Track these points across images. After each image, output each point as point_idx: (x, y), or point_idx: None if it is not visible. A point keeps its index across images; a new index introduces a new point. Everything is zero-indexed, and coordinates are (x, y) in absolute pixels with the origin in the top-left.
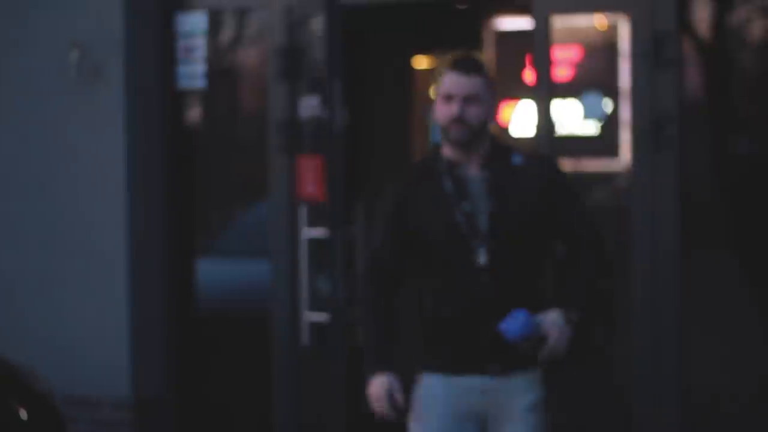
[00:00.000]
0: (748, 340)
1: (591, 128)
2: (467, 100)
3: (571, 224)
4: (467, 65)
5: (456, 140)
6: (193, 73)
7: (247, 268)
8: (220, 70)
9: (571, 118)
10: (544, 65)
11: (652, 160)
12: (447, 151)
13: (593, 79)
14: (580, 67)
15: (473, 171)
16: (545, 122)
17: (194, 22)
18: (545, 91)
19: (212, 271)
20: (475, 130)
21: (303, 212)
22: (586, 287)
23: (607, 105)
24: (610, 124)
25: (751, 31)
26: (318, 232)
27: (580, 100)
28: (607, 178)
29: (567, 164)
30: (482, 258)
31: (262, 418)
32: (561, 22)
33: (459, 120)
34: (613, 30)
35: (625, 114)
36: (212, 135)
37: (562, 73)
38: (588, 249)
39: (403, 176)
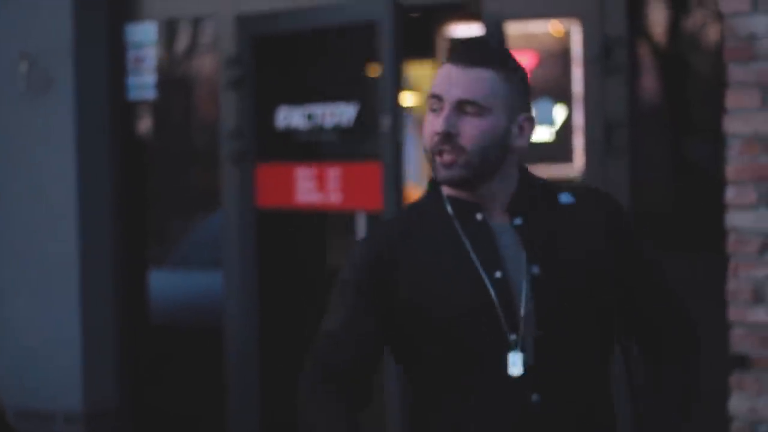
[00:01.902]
0: None
1: (544, 134)
2: (461, 107)
3: (649, 302)
4: (471, 51)
5: (443, 177)
6: (143, 83)
7: (202, 279)
8: (172, 80)
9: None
10: None
11: (605, 165)
12: (450, 190)
13: (547, 85)
14: (535, 74)
15: (498, 218)
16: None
17: (144, 33)
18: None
19: (166, 282)
20: (474, 161)
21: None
22: (683, 415)
23: (559, 111)
24: (564, 130)
25: (706, 36)
26: None
27: (533, 106)
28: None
29: None
30: (524, 354)
31: (215, 428)
32: (515, 29)
33: (444, 139)
34: (566, 36)
35: (579, 120)
36: (165, 145)
37: None
38: (681, 347)
39: (384, 228)
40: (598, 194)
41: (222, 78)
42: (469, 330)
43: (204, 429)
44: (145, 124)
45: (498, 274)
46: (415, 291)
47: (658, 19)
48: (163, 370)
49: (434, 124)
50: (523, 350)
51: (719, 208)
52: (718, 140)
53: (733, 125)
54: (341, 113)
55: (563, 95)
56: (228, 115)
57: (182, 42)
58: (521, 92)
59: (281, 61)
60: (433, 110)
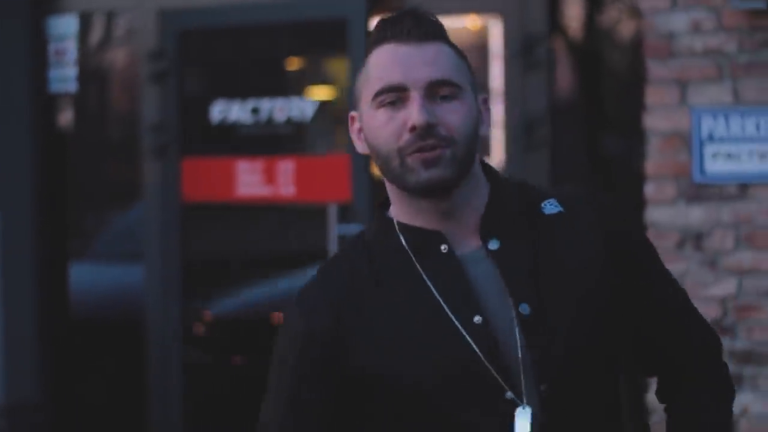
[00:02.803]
0: None
1: None
2: (433, 91)
3: (666, 330)
4: (419, 24)
5: (428, 179)
6: (65, 76)
7: (122, 272)
8: (94, 73)
9: None
10: None
11: (524, 160)
12: (401, 214)
13: None
14: None
15: (467, 243)
16: None
17: (66, 26)
18: None
19: (87, 275)
20: (461, 155)
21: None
22: None
23: None
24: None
25: (621, 32)
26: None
27: None
28: None
29: None
30: (525, 413)
31: (136, 421)
32: None
33: (425, 133)
34: (484, 31)
35: (497, 114)
36: (86, 138)
37: None
38: (709, 387)
39: (325, 281)
40: (589, 197)
41: (144, 71)
42: (452, 396)
43: (125, 422)
44: (66, 117)
45: (477, 319)
46: (373, 359)
47: (575, 15)
48: (84, 363)
49: (400, 118)
50: (533, 399)
51: (639, 202)
52: (633, 135)
53: (652, 121)
54: (293, 107)
55: (480, 90)
56: (150, 109)
57: (104, 35)
58: (470, 68)
59: (218, 55)
60: (390, 104)
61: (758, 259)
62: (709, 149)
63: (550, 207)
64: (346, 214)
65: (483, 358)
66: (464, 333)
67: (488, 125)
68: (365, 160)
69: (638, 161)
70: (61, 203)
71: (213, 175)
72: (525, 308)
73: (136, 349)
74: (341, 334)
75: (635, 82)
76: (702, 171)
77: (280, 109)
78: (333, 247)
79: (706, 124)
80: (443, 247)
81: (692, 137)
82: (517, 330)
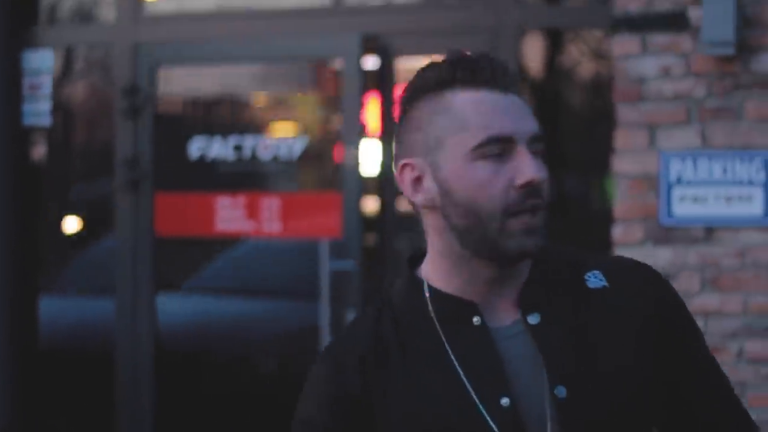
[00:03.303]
0: None
1: None
2: (534, 146)
3: (709, 416)
4: (503, 72)
5: (530, 248)
6: (39, 110)
7: (92, 304)
8: (66, 107)
9: None
10: (387, 105)
11: None
12: (436, 275)
13: None
14: None
15: (502, 315)
16: (388, 161)
17: (41, 60)
18: (388, 130)
19: (56, 308)
20: (547, 220)
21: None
22: None
23: None
24: None
25: (581, 73)
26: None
27: None
28: None
29: (403, 203)
30: None
31: None
32: (403, 64)
33: (536, 192)
34: None
35: None
36: (60, 171)
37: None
38: None
39: (352, 344)
40: (635, 269)
41: (118, 106)
42: None
43: None
44: (39, 151)
45: (504, 401)
46: (395, 429)
47: (535, 55)
48: (53, 395)
49: (506, 173)
50: None
51: (605, 243)
52: (595, 175)
53: (621, 164)
54: (280, 145)
55: None
56: (124, 143)
57: (79, 69)
58: None
59: (198, 91)
60: (494, 156)
61: (723, 302)
62: (676, 192)
63: (594, 280)
64: (337, 250)
65: None
66: (487, 417)
67: None
68: (356, 198)
69: (601, 202)
70: (33, 236)
71: (190, 209)
72: (561, 391)
73: (106, 382)
74: (368, 400)
75: (595, 122)
76: (669, 214)
77: (265, 146)
78: (325, 283)
79: (675, 168)
80: (476, 320)
81: (660, 180)
82: (548, 413)
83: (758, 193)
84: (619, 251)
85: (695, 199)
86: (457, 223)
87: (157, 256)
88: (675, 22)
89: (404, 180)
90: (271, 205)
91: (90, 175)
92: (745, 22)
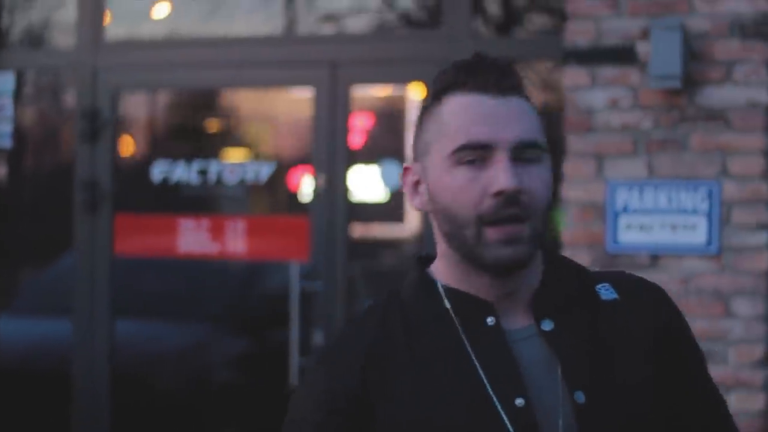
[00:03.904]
0: None
1: (381, 195)
2: (520, 153)
3: (706, 426)
4: (503, 74)
5: (506, 258)
6: (0, 132)
7: (47, 325)
8: (30, 130)
9: (368, 185)
10: (342, 133)
11: None
12: (448, 276)
13: (386, 147)
14: (372, 135)
15: (517, 320)
16: (343, 189)
17: (2, 83)
18: (343, 158)
19: (12, 328)
20: (539, 230)
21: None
22: None
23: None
24: (396, 191)
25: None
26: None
27: (378, 167)
28: (395, 244)
29: (358, 229)
30: None
31: None
32: (358, 92)
33: (511, 201)
34: (400, 99)
35: None
36: (20, 193)
37: (357, 140)
38: None
39: (355, 340)
40: (642, 285)
41: (78, 128)
42: None
43: None
44: (0, 173)
45: (519, 402)
46: (403, 429)
47: None
48: (9, 417)
49: (482, 180)
50: None
51: None
52: None
53: (569, 192)
54: (247, 170)
55: (398, 156)
56: (83, 166)
57: (39, 92)
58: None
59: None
60: (470, 162)
61: None
62: (623, 220)
63: (606, 292)
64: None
65: None
66: (503, 417)
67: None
68: (325, 221)
69: (549, 228)
70: None
71: (151, 231)
72: (580, 396)
73: (62, 402)
74: (368, 398)
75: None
76: (616, 241)
77: (231, 170)
78: (295, 305)
79: (621, 196)
80: (489, 320)
81: (607, 208)
82: (561, 418)
83: (702, 222)
84: None
85: (641, 227)
86: (442, 228)
87: (114, 277)
88: (623, 55)
89: (406, 183)
90: (236, 227)
91: (48, 196)
92: (691, 56)
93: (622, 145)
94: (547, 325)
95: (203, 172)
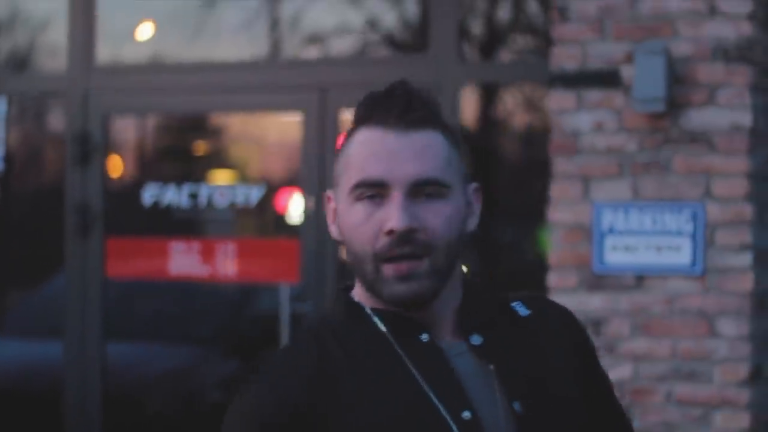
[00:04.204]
0: None
1: None
2: (417, 191)
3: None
4: (410, 107)
5: (402, 294)
6: None
7: (39, 347)
8: (15, 152)
9: None
10: (331, 156)
11: None
12: (371, 301)
13: None
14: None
15: (447, 338)
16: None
17: None
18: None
19: (2, 350)
20: (441, 264)
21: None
22: None
23: None
24: None
25: (515, 124)
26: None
27: None
28: None
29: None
30: None
31: None
32: (346, 114)
33: (404, 239)
34: None
35: None
36: (12, 216)
37: None
38: None
39: (293, 360)
40: (547, 303)
41: (69, 153)
42: None
43: None
44: None
45: (466, 415)
46: None
47: (474, 109)
48: None
49: (378, 218)
50: None
51: (541, 290)
52: (527, 223)
53: (556, 214)
54: (237, 193)
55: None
56: (74, 190)
57: (30, 115)
58: (463, 156)
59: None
60: (370, 197)
61: (652, 346)
62: (609, 241)
63: (521, 309)
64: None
65: None
66: (454, 428)
67: (477, 216)
68: (315, 243)
69: (536, 250)
70: None
71: (143, 254)
72: (518, 406)
73: (55, 424)
74: (313, 421)
75: (531, 173)
76: (602, 262)
77: (221, 193)
78: (285, 326)
79: (607, 218)
80: (424, 337)
81: (593, 230)
82: (504, 429)
83: (686, 243)
84: (553, 297)
85: (626, 248)
86: (348, 260)
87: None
88: (608, 79)
89: (327, 212)
90: (226, 250)
91: (38, 218)
92: (675, 80)
93: (607, 167)
94: (477, 340)
95: (194, 195)
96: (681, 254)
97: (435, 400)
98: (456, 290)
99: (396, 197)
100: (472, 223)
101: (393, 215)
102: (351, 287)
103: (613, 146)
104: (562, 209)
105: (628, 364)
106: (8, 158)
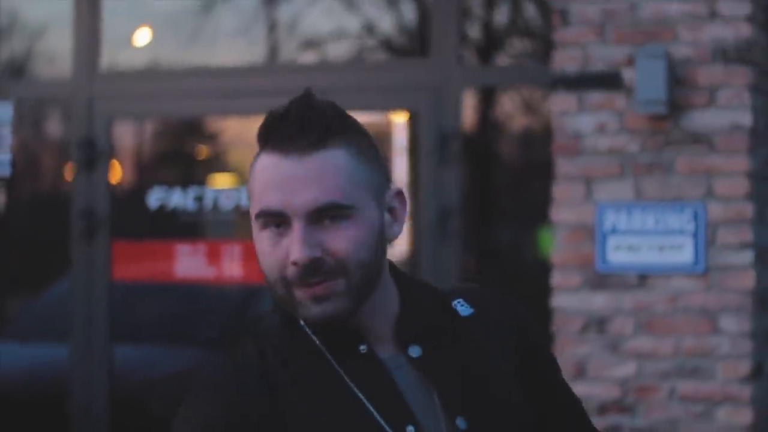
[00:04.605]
0: None
1: None
2: (318, 217)
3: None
4: (304, 127)
5: (316, 315)
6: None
7: (45, 351)
8: (28, 158)
9: None
10: None
11: (437, 251)
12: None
13: None
14: None
15: (386, 349)
16: None
17: (1, 112)
18: None
19: (9, 353)
20: (355, 283)
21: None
22: None
23: None
24: None
25: (513, 127)
26: None
27: None
28: None
29: None
30: None
31: None
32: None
33: (310, 269)
34: (388, 126)
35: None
36: (18, 220)
37: None
38: None
39: (234, 376)
40: (490, 296)
41: (75, 158)
42: None
43: None
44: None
45: (410, 429)
46: None
47: (476, 113)
48: None
49: (283, 247)
50: None
51: (544, 289)
52: (531, 224)
53: (559, 215)
54: (242, 196)
55: (390, 183)
56: (80, 194)
57: (36, 121)
58: (378, 162)
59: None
60: (275, 226)
61: (656, 345)
62: (611, 241)
63: (462, 308)
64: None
65: None
66: None
67: (402, 222)
68: None
69: (540, 250)
70: None
71: (149, 256)
72: (462, 422)
73: (61, 429)
74: (261, 429)
75: (534, 174)
76: (605, 261)
77: (227, 196)
78: None
79: (610, 218)
80: (362, 348)
81: (596, 230)
82: None
83: (688, 242)
84: (557, 297)
85: (629, 248)
86: (265, 282)
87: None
88: (609, 81)
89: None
90: (232, 252)
91: (44, 222)
92: (675, 82)
93: (609, 168)
94: (415, 352)
95: (199, 198)
96: (683, 253)
97: (376, 414)
98: (391, 296)
99: (296, 228)
100: (396, 230)
101: (294, 248)
102: None
103: (615, 147)
104: (565, 210)
105: (632, 362)
106: (13, 163)
